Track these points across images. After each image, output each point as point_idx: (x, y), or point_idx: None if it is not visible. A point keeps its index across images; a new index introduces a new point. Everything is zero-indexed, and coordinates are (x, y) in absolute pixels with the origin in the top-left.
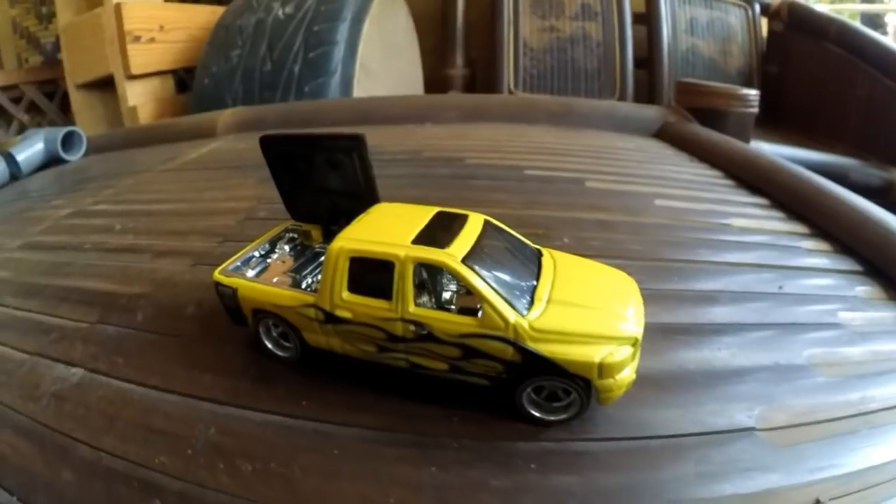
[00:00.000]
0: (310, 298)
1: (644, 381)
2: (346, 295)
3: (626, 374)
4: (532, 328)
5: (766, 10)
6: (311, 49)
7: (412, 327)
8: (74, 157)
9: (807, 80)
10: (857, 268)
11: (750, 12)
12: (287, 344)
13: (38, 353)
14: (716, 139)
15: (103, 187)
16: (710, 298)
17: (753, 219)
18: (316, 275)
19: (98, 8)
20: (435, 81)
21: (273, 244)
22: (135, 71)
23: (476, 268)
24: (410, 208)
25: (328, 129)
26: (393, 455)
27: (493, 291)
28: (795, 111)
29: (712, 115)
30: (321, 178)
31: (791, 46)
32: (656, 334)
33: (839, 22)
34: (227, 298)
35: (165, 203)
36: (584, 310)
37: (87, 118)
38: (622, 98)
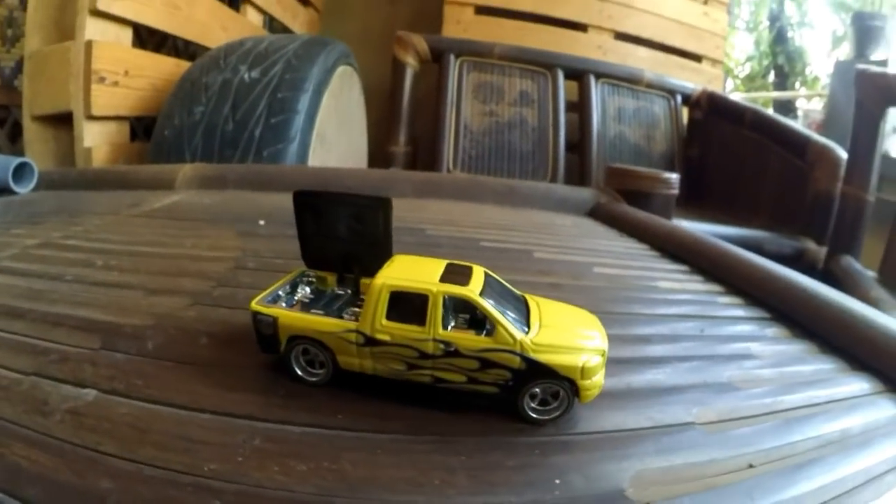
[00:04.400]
0: (352, 325)
1: (605, 394)
2: (384, 322)
3: (599, 378)
4: (533, 343)
5: (687, 100)
6: (273, 115)
7: (441, 346)
8: (23, 189)
9: (725, 162)
10: (767, 315)
11: (672, 102)
12: (312, 369)
13: (36, 373)
14: (641, 217)
15: (69, 223)
16: (646, 340)
17: (677, 281)
18: (340, 309)
19: (68, 42)
20: (378, 156)
21: (294, 286)
22: (95, 112)
23: (489, 300)
24: (426, 259)
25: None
26: (425, 449)
27: (503, 317)
28: (715, 190)
29: (639, 196)
30: (343, 230)
31: (710, 132)
32: (608, 364)
33: (753, 109)
34: (265, 326)
35: (145, 245)
36: (567, 330)
37: (39, 151)
38: (554, 179)
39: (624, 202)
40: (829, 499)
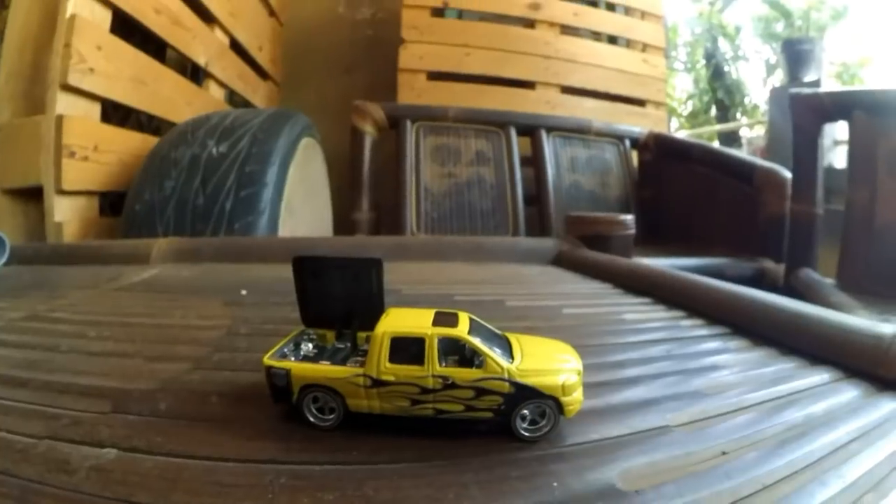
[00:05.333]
0: (359, 370)
1: (588, 412)
2: (387, 364)
3: (578, 394)
4: (518, 369)
5: (635, 144)
6: (242, 188)
7: (440, 380)
8: None
9: (677, 198)
10: (728, 331)
11: (622, 147)
12: (323, 416)
13: (51, 437)
14: (603, 259)
15: (52, 297)
16: (619, 365)
17: (642, 313)
18: (344, 359)
19: (39, 115)
20: (342, 223)
21: (297, 344)
22: (66, 187)
23: (476, 338)
24: (417, 309)
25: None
26: (437, 472)
27: (491, 351)
28: (671, 226)
29: (599, 240)
30: (340, 290)
31: (661, 172)
32: (588, 387)
33: (699, 145)
34: (279, 378)
35: (134, 317)
36: (546, 357)
37: (8, 225)
38: (515, 233)
39: (585, 247)
40: (799, 468)
